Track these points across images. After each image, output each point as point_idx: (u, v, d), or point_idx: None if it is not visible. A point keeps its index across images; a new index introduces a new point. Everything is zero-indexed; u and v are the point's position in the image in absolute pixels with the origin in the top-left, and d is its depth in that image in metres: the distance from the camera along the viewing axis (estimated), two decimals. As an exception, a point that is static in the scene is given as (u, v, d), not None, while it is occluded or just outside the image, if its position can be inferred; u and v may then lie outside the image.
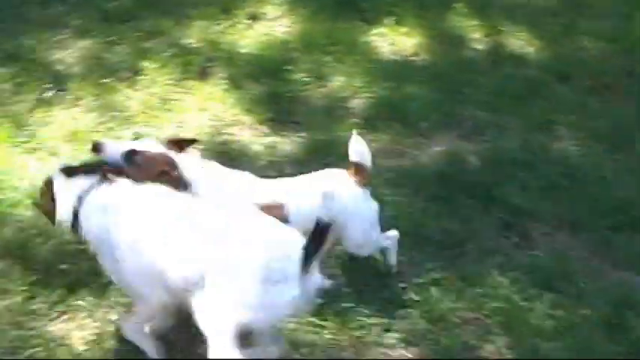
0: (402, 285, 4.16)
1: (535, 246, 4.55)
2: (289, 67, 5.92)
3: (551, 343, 3.93)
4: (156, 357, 3.71)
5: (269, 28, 6.49)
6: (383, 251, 4.25)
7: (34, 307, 3.89)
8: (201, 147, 4.76)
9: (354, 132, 4.13)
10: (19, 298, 3.91)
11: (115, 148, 3.82)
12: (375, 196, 4.14)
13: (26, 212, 4.31)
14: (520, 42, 6.69)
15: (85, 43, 5.97)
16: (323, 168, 4.17)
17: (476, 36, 6.71)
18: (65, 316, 3.87)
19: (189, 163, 3.89)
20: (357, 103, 5.66)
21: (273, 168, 4.84)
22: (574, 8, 7.30)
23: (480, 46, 6.58)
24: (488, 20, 6.95)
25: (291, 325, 3.83)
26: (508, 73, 6.15)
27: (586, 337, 3.95)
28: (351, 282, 4.15)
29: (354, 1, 6.88)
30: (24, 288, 3.94)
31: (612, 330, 4.02)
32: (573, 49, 6.68)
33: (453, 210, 4.71)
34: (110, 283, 3.80)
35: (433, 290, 4.14)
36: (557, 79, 6.19)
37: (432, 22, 6.81)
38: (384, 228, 4.19)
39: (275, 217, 3.63)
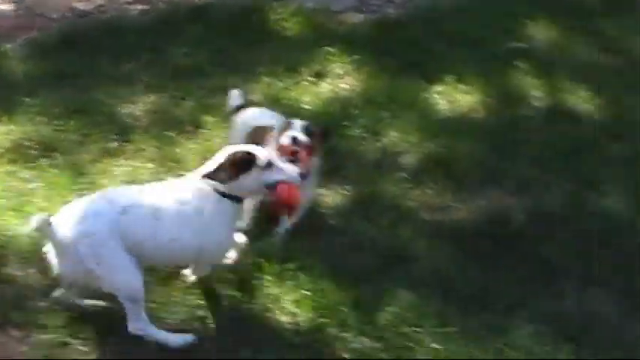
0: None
1: (563, 299, 4.65)
2: (347, 123, 6.15)
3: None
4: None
5: (333, 85, 6.76)
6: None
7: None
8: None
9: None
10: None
11: None
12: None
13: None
14: (579, 100, 6.80)
15: (152, 98, 6.34)
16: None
17: (535, 94, 6.84)
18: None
19: None
20: (409, 158, 5.85)
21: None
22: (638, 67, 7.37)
23: (537, 104, 6.71)
24: (550, 78, 7.08)
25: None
26: (561, 131, 6.26)
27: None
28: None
29: (418, 62, 7.12)
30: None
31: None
32: (632, 108, 6.74)
33: (490, 265, 4.86)
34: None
35: (456, 338, 4.28)
36: (611, 137, 6.26)
37: (492, 79, 6.98)
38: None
39: None
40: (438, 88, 6.77)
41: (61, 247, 4.01)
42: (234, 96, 5.59)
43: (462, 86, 6.80)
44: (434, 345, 4.24)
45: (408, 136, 6.06)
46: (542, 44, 7.78)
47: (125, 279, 4.06)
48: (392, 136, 6.07)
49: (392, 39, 7.58)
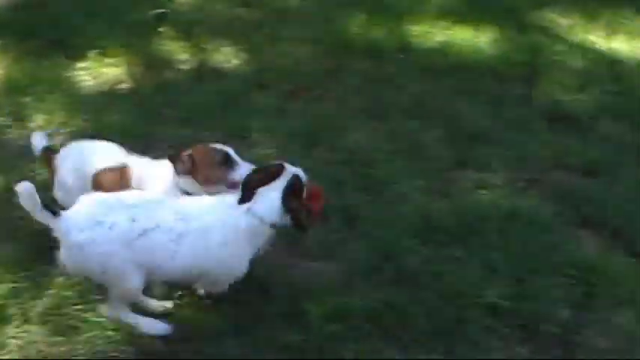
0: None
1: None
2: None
3: None
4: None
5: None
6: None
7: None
8: None
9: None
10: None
11: None
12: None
13: None
14: (224, 56, 6.94)
15: None
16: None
17: (181, 57, 6.91)
18: None
19: None
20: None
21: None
22: (278, 18, 7.64)
23: (184, 66, 6.78)
24: (194, 39, 7.18)
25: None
26: (208, 89, 6.36)
27: None
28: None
29: (61, 40, 6.94)
30: None
31: None
32: (275, 57, 6.99)
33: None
34: None
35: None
36: (256, 88, 6.46)
37: (137, 49, 6.96)
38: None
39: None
40: (82, 64, 6.65)
41: (69, 244, 3.88)
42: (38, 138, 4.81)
43: (107, 59, 6.72)
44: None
45: (53, 117, 5.89)
46: (184, 7, 7.86)
47: (126, 288, 3.99)
48: (38, 120, 5.88)
49: (34, 19, 7.35)
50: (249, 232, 4.02)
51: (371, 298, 4.38)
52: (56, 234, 3.91)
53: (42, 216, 3.87)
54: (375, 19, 7.79)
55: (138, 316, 4.16)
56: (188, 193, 4.29)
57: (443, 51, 7.20)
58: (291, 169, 4.08)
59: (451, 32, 7.52)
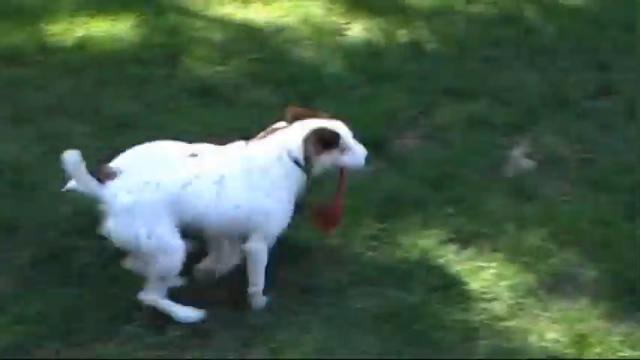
0: None
1: None
2: None
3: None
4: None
5: None
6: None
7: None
8: None
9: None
10: None
11: None
12: None
13: None
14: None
15: None
16: None
17: None
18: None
19: None
20: None
21: None
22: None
23: None
24: None
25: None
26: None
27: None
28: None
29: None
30: None
31: None
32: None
33: None
34: None
35: None
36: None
37: None
38: None
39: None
40: None
41: (116, 208, 4.04)
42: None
43: None
44: None
45: None
46: None
47: (168, 260, 4.10)
48: None
49: None
50: (284, 171, 4.21)
51: (43, 302, 4.37)
52: (102, 201, 4.09)
53: (87, 184, 4.05)
54: (11, 24, 7.57)
55: (173, 303, 4.22)
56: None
57: (83, 46, 7.13)
58: (326, 122, 4.31)
59: (90, 26, 7.45)
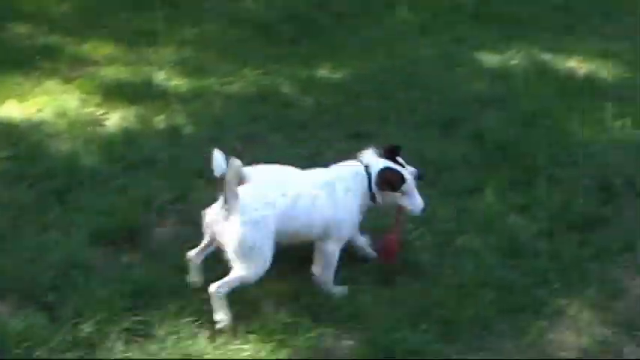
0: None
1: None
2: None
3: None
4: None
5: None
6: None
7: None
8: None
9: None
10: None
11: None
12: None
13: None
14: None
15: None
16: None
17: None
18: None
19: None
20: None
21: None
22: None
23: None
24: None
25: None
26: None
27: None
28: None
29: None
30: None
31: None
32: None
33: None
34: None
35: None
36: None
37: None
38: None
39: None
40: None
41: (244, 220, 4.80)
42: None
43: None
44: None
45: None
46: None
47: (258, 271, 4.88)
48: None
49: None
50: (359, 190, 5.18)
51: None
52: (232, 208, 4.80)
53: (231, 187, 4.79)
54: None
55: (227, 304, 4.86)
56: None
57: None
58: (404, 169, 5.26)
59: None
